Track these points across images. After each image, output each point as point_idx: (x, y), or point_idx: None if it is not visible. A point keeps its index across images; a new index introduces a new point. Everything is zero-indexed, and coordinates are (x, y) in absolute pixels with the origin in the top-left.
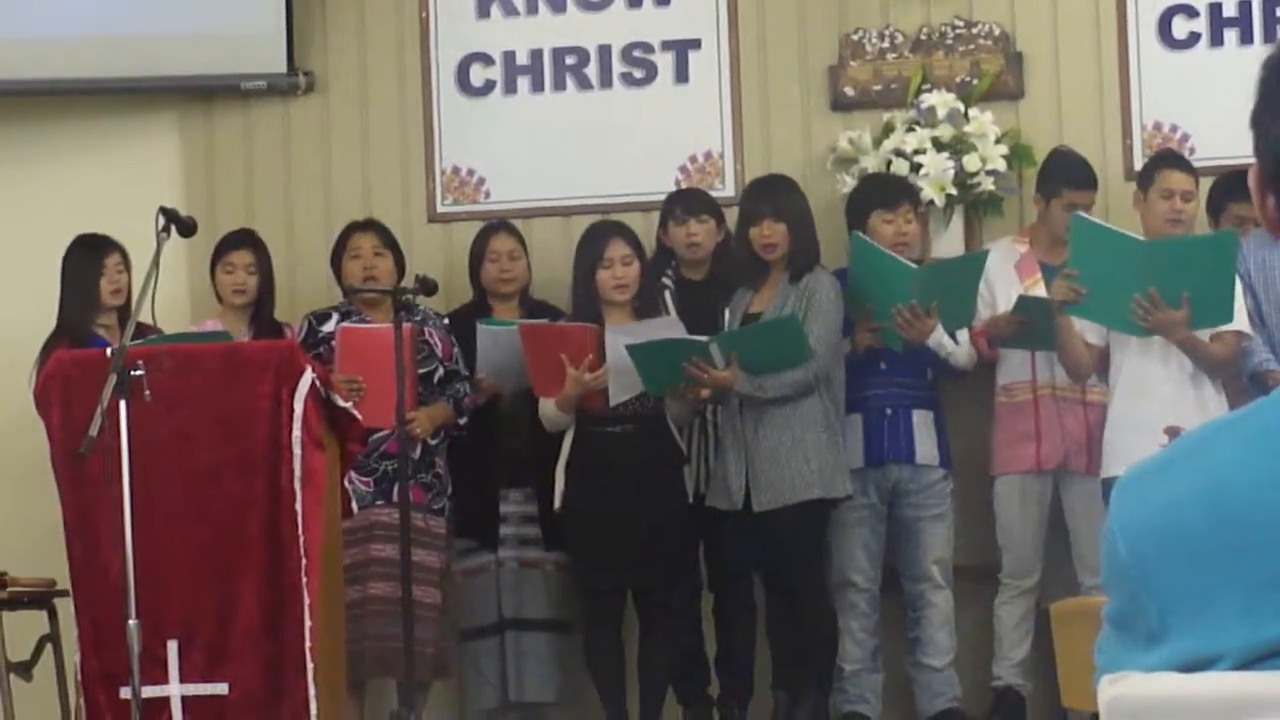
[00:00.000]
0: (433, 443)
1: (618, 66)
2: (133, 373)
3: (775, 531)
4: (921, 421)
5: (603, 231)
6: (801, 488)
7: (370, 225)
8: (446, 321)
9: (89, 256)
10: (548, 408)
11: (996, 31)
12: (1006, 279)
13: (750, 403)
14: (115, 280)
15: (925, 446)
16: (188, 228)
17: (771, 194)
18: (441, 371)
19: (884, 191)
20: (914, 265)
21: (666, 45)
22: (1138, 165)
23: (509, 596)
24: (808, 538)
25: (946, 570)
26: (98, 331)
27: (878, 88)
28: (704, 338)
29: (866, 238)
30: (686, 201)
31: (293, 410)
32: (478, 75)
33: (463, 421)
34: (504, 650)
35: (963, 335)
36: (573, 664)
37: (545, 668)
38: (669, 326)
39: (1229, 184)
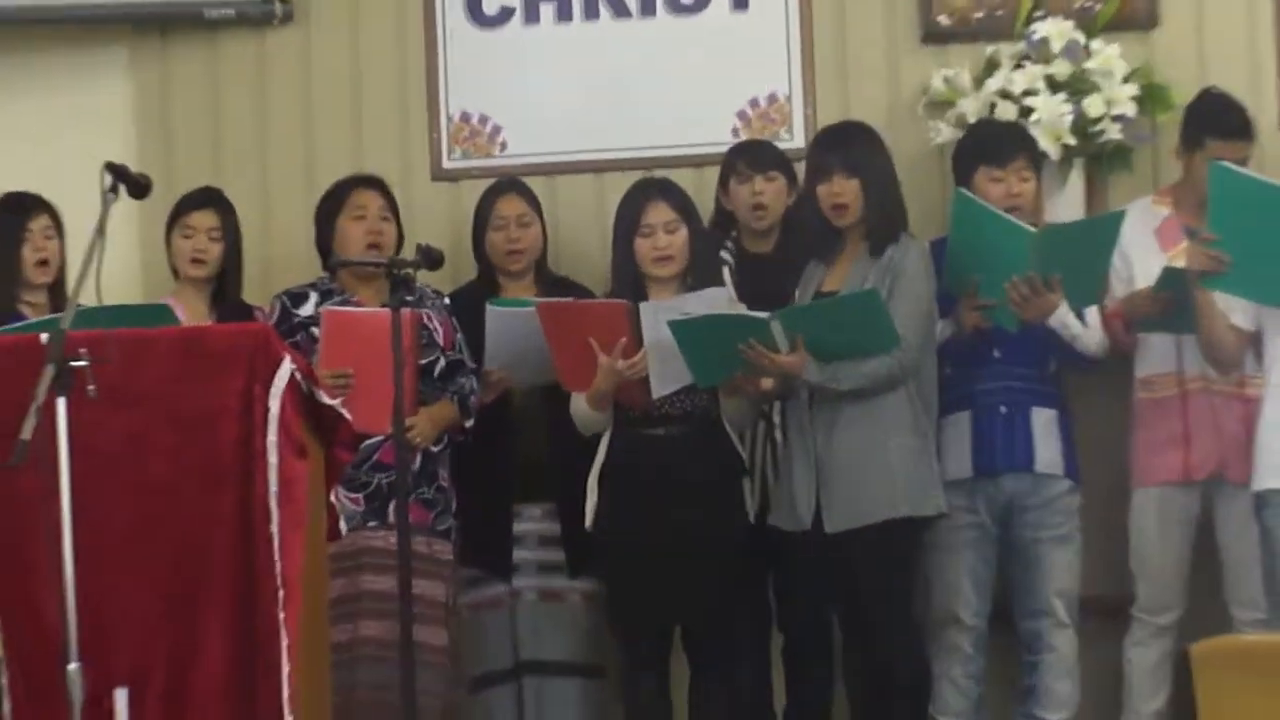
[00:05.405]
0: (435, 450)
1: None
2: (73, 364)
3: (852, 558)
4: (1043, 422)
5: (642, 192)
6: (884, 505)
7: (376, 183)
8: (446, 302)
9: (9, 220)
10: (579, 406)
11: None
12: (1146, 247)
13: (822, 398)
14: (41, 248)
15: (1048, 452)
16: (140, 187)
17: (843, 144)
18: (443, 363)
19: (993, 143)
20: (1032, 229)
21: None
22: None
23: (527, 635)
24: (892, 565)
25: (1071, 605)
26: (23, 310)
27: (979, 15)
28: (764, 314)
29: (973, 195)
30: (751, 155)
31: (267, 409)
32: (492, 2)
33: (468, 424)
34: (522, 700)
35: (1092, 315)
36: (605, 716)
37: None
38: (718, 300)
39: None
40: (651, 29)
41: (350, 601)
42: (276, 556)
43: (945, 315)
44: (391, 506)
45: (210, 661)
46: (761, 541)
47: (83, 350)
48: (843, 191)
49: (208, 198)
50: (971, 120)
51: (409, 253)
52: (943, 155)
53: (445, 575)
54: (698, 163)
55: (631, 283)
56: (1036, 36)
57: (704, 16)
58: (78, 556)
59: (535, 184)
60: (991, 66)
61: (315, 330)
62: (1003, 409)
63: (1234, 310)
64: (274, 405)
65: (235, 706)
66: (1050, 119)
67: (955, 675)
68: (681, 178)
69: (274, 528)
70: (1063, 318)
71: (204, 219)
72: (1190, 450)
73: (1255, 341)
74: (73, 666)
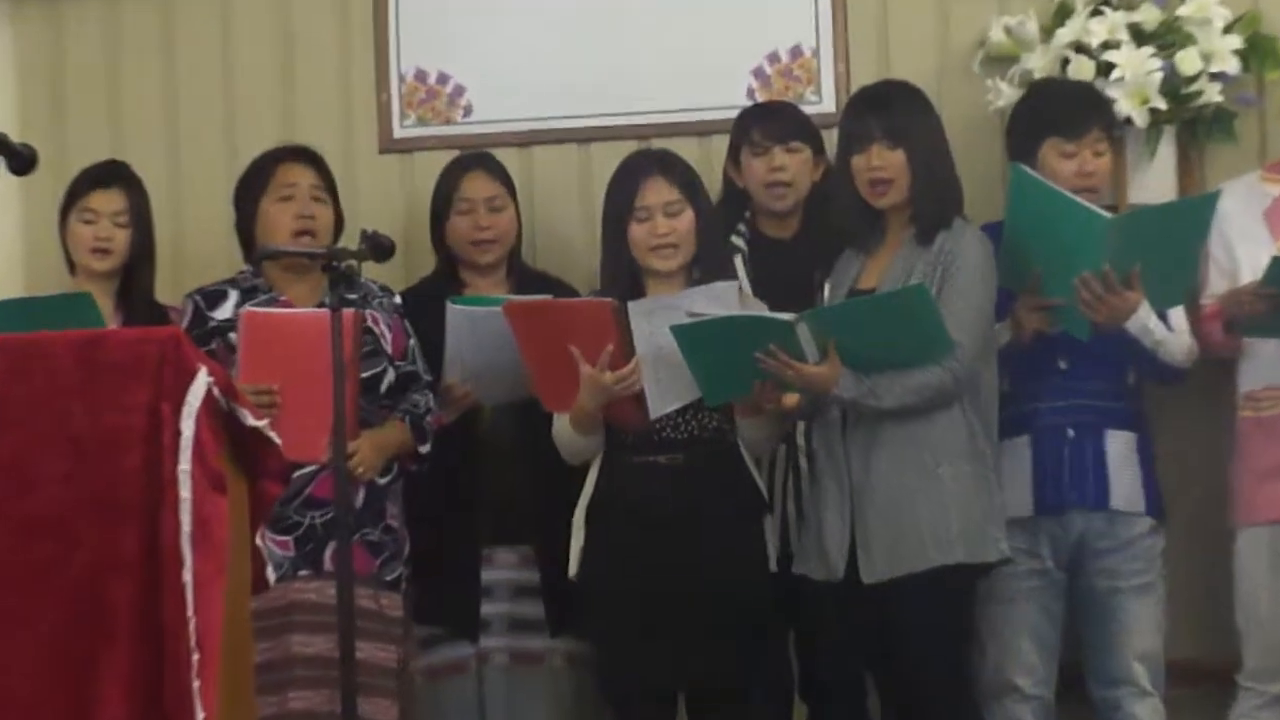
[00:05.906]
0: (382, 482)
1: None
2: None
3: (895, 613)
4: (1119, 447)
5: (638, 168)
6: (934, 549)
7: (307, 155)
8: (398, 301)
9: None
10: (562, 428)
11: None
12: (1252, 234)
13: (859, 418)
14: None
15: (1125, 484)
16: (23, 160)
17: (883, 107)
18: (392, 375)
19: (1062, 109)
20: (1107, 214)
21: None
22: None
23: (497, 707)
24: (943, 622)
25: (1156, 668)
26: None
27: None
28: (787, 315)
29: (1033, 172)
30: (769, 122)
31: (179, 432)
32: None
33: (424, 450)
34: None
35: (1178, 317)
36: None
37: None
38: (728, 296)
39: None
40: None
41: (278, 669)
42: (190, 612)
43: (1000, 317)
44: (329, 552)
45: None
46: (784, 592)
47: None
48: (884, 165)
49: (113, 175)
50: (1039, 79)
51: (351, 241)
52: (1003, 121)
53: (395, 635)
54: (704, 131)
55: (625, 277)
56: None
57: None
58: None
59: (507, 158)
60: (1063, 13)
61: (234, 336)
62: (1070, 432)
63: None
64: (187, 427)
65: None
66: (1135, 78)
67: None
68: (684, 149)
69: (187, 576)
70: (1144, 321)
71: (108, 200)
72: None
73: None
74: None
